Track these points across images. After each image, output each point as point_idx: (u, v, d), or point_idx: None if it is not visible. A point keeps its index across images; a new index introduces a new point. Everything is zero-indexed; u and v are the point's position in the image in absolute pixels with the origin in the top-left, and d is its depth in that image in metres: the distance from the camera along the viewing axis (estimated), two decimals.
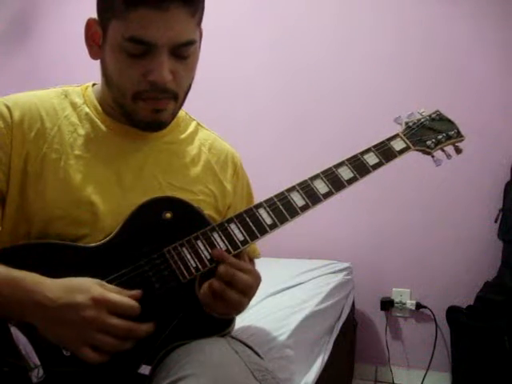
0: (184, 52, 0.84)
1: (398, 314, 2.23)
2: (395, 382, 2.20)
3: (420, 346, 2.19)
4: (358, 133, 2.07)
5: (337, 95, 2.29)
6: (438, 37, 2.16)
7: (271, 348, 1.18)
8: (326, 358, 1.54)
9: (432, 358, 2.13)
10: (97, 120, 0.92)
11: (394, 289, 2.23)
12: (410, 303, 2.19)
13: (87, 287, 0.74)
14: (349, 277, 2.05)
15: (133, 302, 0.75)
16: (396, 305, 2.21)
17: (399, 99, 2.11)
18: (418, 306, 2.18)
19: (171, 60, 0.83)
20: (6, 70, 2.73)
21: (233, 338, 0.91)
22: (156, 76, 0.82)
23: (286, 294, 1.66)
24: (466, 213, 2.13)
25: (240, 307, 0.87)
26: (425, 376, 2.14)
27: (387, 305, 2.21)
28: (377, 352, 2.26)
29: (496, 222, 2.06)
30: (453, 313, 1.98)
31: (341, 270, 2.03)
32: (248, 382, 0.74)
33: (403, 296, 2.21)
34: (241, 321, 1.28)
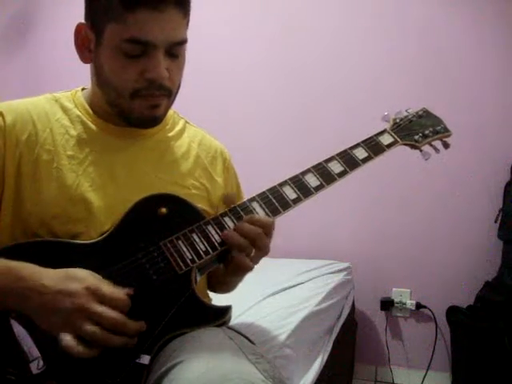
0: (177, 51, 0.90)
1: (398, 314, 2.23)
2: (395, 381, 2.20)
3: (420, 346, 2.19)
4: (357, 131, 2.04)
5: (335, 93, 2.29)
6: (437, 37, 2.16)
7: (271, 347, 1.18)
8: (326, 358, 1.53)
9: (432, 357, 2.13)
10: (88, 121, 0.94)
11: (394, 289, 2.23)
12: (410, 303, 2.20)
13: (83, 277, 0.75)
14: (349, 277, 2.05)
15: (123, 296, 0.76)
16: (396, 305, 2.21)
17: (398, 98, 2.08)
18: (418, 305, 2.18)
19: (166, 59, 0.88)
20: (6, 70, 2.73)
21: (229, 328, 0.92)
22: (154, 74, 0.87)
23: (285, 294, 1.66)
24: (466, 213, 2.13)
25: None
26: (425, 376, 2.14)
27: (387, 305, 2.21)
28: (377, 352, 2.26)
29: (496, 222, 2.06)
30: (453, 313, 1.98)
31: (340, 270, 2.03)
32: (241, 363, 0.74)
33: (403, 296, 2.21)
34: (241, 320, 1.28)
